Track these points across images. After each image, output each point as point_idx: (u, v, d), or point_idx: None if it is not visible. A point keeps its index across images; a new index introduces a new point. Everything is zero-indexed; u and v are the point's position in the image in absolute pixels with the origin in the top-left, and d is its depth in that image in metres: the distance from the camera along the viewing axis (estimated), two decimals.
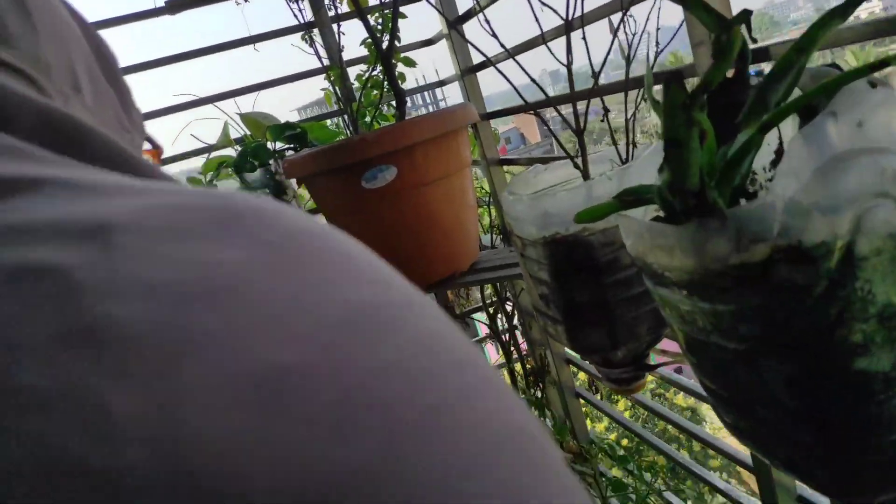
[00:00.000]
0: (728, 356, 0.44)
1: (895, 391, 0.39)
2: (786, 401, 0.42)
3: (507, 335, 1.43)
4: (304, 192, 1.31)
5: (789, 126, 0.49)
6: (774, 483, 0.78)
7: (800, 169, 0.38)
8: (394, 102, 1.13)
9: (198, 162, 1.10)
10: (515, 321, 1.41)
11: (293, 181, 1.21)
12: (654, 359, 0.84)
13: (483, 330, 1.59)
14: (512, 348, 1.41)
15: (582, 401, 1.31)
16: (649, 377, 0.91)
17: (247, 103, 1.18)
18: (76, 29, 0.32)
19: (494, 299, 1.45)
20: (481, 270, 1.16)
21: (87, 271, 0.13)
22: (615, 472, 1.23)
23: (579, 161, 0.72)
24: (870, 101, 0.39)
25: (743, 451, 0.87)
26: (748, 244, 0.38)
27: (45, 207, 0.15)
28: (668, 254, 0.43)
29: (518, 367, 1.42)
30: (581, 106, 0.80)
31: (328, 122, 1.24)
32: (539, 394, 1.36)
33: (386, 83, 1.11)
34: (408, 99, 1.17)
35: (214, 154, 1.09)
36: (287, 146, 1.13)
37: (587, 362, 1.29)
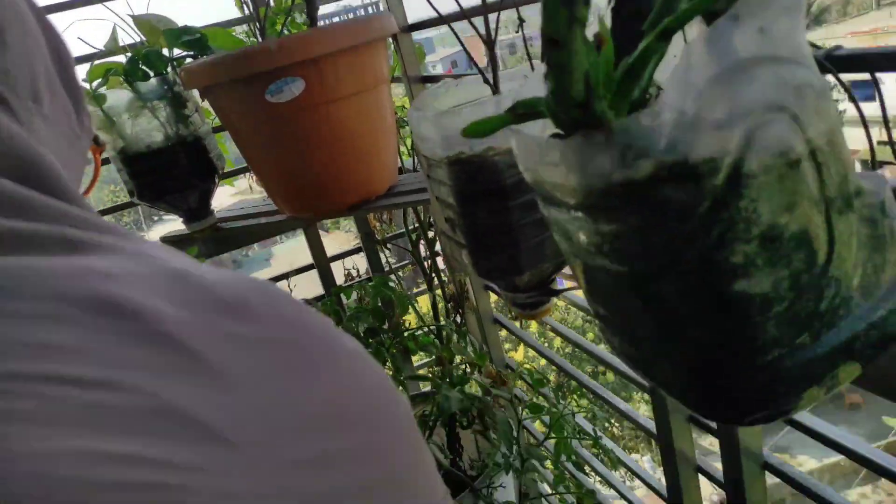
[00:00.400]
0: (611, 279, 0.42)
1: (772, 313, 0.38)
2: (664, 324, 0.41)
3: (429, 262, 1.41)
4: (207, 106, 1.22)
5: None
6: (668, 406, 0.80)
7: (693, 78, 0.35)
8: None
9: (83, 69, 0.99)
10: (437, 248, 1.39)
11: (195, 93, 1.12)
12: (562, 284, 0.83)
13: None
14: (433, 275, 1.40)
15: (500, 327, 1.32)
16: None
17: (140, 6, 1.06)
18: (40, 37, 0.33)
19: (417, 225, 1.42)
20: (399, 194, 1.11)
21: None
22: (530, 397, 1.25)
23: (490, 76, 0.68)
24: (774, 7, 0.36)
25: None
26: (633, 160, 0.35)
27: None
28: (556, 171, 0.40)
29: (438, 293, 1.40)
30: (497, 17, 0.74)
31: (235, 29, 1.14)
32: (459, 319, 1.36)
33: None
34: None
35: (101, 61, 0.98)
36: (185, 53, 1.03)
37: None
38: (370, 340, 1.14)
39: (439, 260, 1.42)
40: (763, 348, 0.39)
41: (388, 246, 1.48)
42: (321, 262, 1.40)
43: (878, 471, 0.62)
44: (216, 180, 1.15)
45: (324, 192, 1.07)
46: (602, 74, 0.38)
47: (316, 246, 1.38)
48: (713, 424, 0.74)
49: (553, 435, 0.94)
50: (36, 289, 0.20)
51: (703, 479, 0.81)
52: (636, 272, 0.40)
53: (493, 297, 1.32)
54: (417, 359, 1.51)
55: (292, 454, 0.20)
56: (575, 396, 1.23)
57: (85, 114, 0.37)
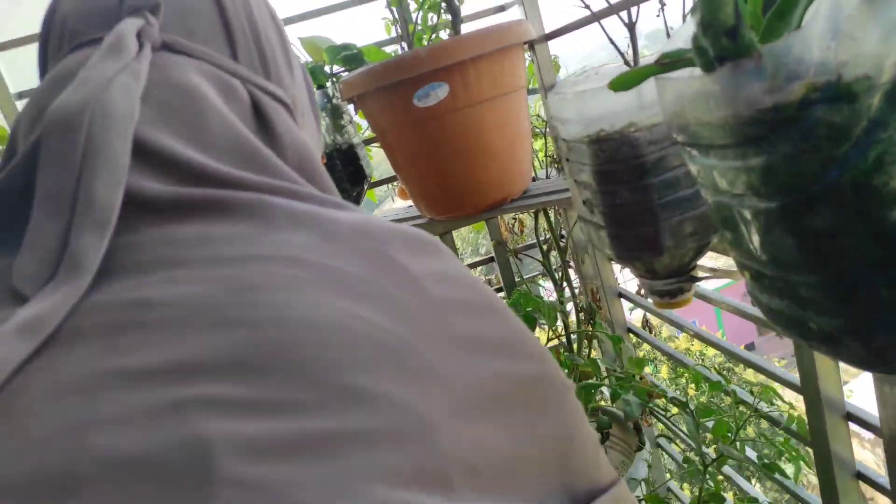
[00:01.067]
0: (761, 220, 0.42)
1: None
2: (820, 262, 0.41)
3: (560, 272, 1.42)
4: (359, 121, 1.33)
5: None
6: (822, 404, 0.75)
7: (842, 2, 0.35)
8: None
9: None
10: (568, 257, 1.40)
11: (350, 107, 1.24)
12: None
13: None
14: (564, 284, 1.41)
15: (633, 336, 1.30)
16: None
17: (306, 31, 1.20)
18: (303, 74, 0.48)
19: (549, 235, 1.44)
20: (533, 196, 1.15)
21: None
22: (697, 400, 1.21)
23: (630, 58, 0.70)
24: None
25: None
26: (784, 83, 0.36)
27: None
28: (704, 107, 0.42)
29: (570, 304, 1.41)
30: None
31: (387, 48, 1.25)
32: (591, 328, 1.35)
33: (443, 4, 1.10)
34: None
35: None
36: (343, 69, 1.15)
37: (640, 295, 1.27)
38: None
39: (571, 271, 1.43)
40: None
41: (520, 256, 1.51)
42: None
43: None
44: (365, 186, 1.25)
45: (464, 194, 1.13)
46: (750, 9, 0.39)
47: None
48: (876, 421, 0.69)
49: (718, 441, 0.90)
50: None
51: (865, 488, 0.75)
52: (788, 206, 0.40)
53: (627, 305, 1.30)
54: None
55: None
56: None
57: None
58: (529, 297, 1.23)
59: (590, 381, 1.06)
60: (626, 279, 1.34)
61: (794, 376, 0.76)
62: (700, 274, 0.78)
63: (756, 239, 0.44)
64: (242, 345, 0.23)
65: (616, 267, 1.30)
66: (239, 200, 0.30)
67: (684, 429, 1.10)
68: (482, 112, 1.06)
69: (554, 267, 1.46)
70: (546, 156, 1.31)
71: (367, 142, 1.35)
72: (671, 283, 0.76)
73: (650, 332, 1.37)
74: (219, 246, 0.28)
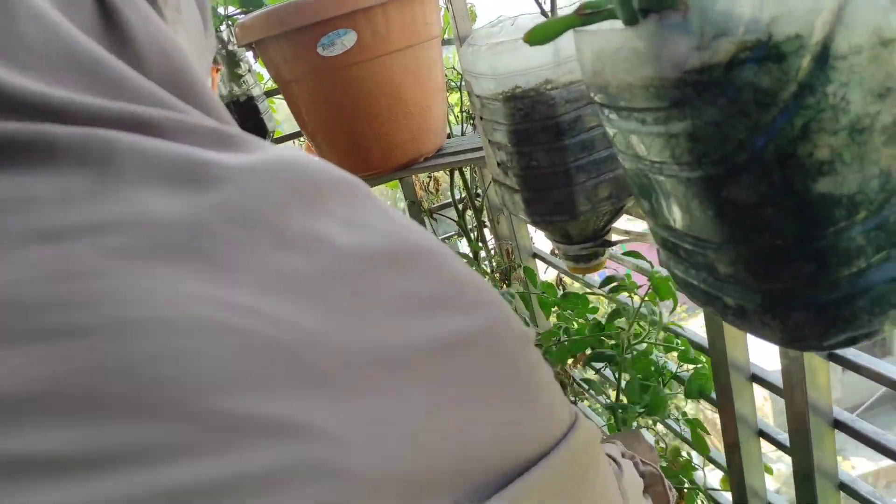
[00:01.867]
0: (681, 190, 0.40)
1: (855, 219, 0.35)
2: (739, 235, 0.38)
3: (476, 232, 1.40)
4: (262, 70, 1.23)
5: None
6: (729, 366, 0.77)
7: None
8: None
9: None
10: (484, 217, 1.37)
11: (249, 54, 1.13)
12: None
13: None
14: (480, 244, 1.38)
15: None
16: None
17: None
18: None
19: (464, 195, 1.40)
20: (448, 154, 1.10)
21: None
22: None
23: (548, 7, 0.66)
24: None
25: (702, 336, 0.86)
26: (711, 41, 0.33)
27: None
28: (625, 66, 0.38)
29: (486, 266, 1.39)
30: None
31: None
32: (506, 289, 1.34)
33: None
34: None
35: None
36: (240, 10, 1.04)
37: (554, 255, 1.26)
38: None
39: (487, 231, 1.41)
40: (847, 258, 0.36)
41: (435, 216, 1.47)
42: None
43: None
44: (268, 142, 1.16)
45: (375, 151, 1.07)
46: None
47: None
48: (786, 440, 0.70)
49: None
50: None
51: None
52: (710, 177, 0.37)
53: (540, 263, 1.29)
54: None
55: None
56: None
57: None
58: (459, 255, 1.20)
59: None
60: (542, 239, 1.33)
61: (704, 337, 0.77)
62: (614, 238, 0.76)
63: (675, 210, 0.42)
64: (65, 366, 0.16)
65: (531, 228, 1.28)
66: (67, 139, 0.21)
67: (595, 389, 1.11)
68: (393, 63, 1.00)
69: (469, 227, 1.43)
70: (462, 111, 1.26)
71: (269, 93, 1.25)
72: (586, 247, 0.74)
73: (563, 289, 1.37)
74: (33, 211, 0.20)
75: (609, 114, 0.43)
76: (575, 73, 0.62)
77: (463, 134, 1.26)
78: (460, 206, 1.42)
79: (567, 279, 1.48)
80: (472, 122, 1.25)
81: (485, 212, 1.36)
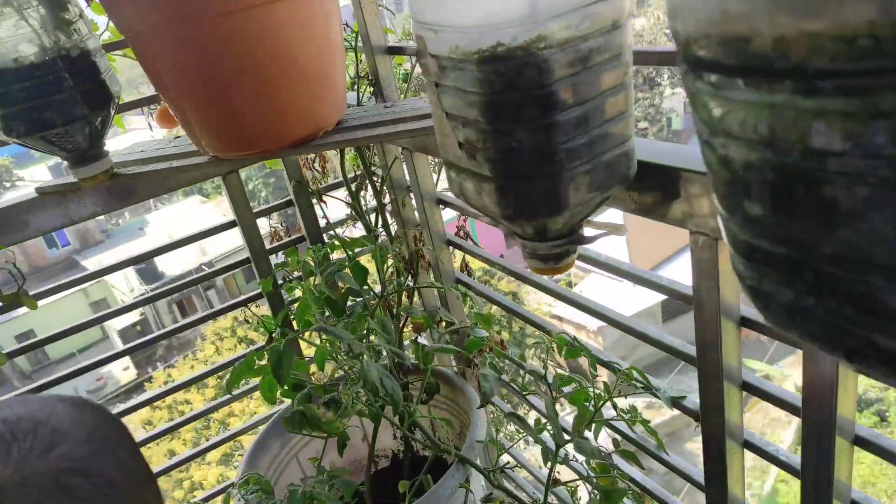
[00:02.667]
0: (863, 194, 0.27)
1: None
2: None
3: (375, 216, 1.22)
4: (96, 18, 0.95)
5: None
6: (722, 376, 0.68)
7: None
8: None
9: None
10: (386, 199, 1.20)
11: None
12: None
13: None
14: (380, 230, 1.21)
15: (463, 288, 1.17)
16: None
17: None
18: None
19: (358, 172, 1.22)
20: (355, 128, 0.91)
21: None
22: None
23: None
24: None
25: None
26: None
27: None
28: (810, 6, 0.24)
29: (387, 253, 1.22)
30: None
31: None
32: (411, 282, 1.19)
33: None
34: None
35: None
36: None
37: (469, 241, 1.13)
38: (350, 302, 0.95)
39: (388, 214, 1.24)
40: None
41: (324, 199, 1.27)
42: (246, 220, 1.17)
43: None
44: (112, 110, 0.89)
45: (261, 125, 0.85)
46: None
47: (239, 198, 1.15)
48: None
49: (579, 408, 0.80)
50: None
51: None
52: None
53: (457, 254, 1.16)
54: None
55: None
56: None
57: None
58: (355, 239, 1.02)
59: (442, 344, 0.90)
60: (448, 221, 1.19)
61: (691, 349, 0.69)
62: (587, 233, 0.64)
63: (834, 219, 0.29)
64: None
65: (444, 211, 1.13)
66: None
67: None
68: (280, 14, 0.79)
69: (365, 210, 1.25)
70: (358, 75, 1.07)
71: (110, 47, 0.97)
72: (560, 244, 0.61)
73: (469, 277, 1.25)
74: None
75: (731, 82, 0.29)
76: (575, 27, 0.48)
77: (360, 103, 1.07)
78: (353, 187, 1.24)
79: (474, 263, 1.36)
80: (370, 89, 1.07)
81: (386, 192, 1.19)
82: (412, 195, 1.15)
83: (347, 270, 1.02)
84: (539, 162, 0.53)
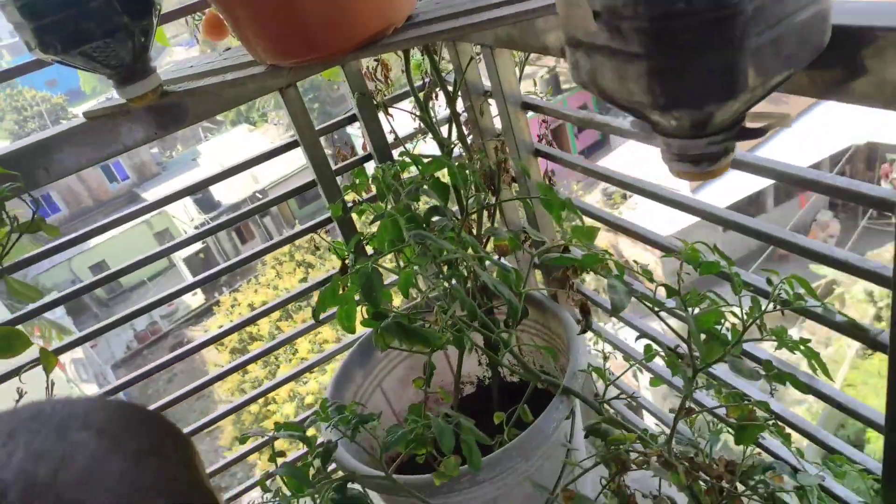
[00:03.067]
0: None
1: None
2: None
3: (448, 127, 1.10)
4: None
5: None
6: None
7: None
8: None
9: None
10: (460, 107, 1.07)
11: None
12: None
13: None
14: (455, 143, 1.09)
15: None
16: None
17: None
18: None
19: (426, 79, 1.09)
20: (424, 24, 0.78)
21: None
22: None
23: None
24: None
25: None
26: None
27: None
28: None
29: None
30: None
31: None
32: (493, 198, 1.07)
33: None
34: None
35: None
36: None
37: (559, 149, 1.00)
38: (431, 220, 0.86)
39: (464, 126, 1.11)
40: None
41: (390, 113, 1.15)
42: (308, 138, 1.06)
43: None
44: (154, 18, 0.78)
45: (327, 23, 0.73)
46: None
47: (300, 115, 1.04)
48: None
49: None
50: None
51: None
52: None
53: (541, 161, 1.03)
54: None
55: None
56: None
57: None
58: (431, 157, 0.91)
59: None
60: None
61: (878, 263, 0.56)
62: (750, 125, 0.50)
63: None
64: None
65: (532, 118, 1.00)
66: None
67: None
68: None
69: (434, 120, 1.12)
70: None
71: None
72: (718, 141, 0.49)
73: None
74: None
75: None
76: None
77: None
78: (421, 95, 1.11)
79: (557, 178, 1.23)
80: None
81: (460, 99, 1.06)
82: (491, 101, 1.01)
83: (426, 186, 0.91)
84: (713, 27, 0.39)
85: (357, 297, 0.94)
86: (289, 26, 0.73)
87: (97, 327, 1.06)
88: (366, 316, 0.92)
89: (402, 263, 0.97)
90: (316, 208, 15.99)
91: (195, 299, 15.01)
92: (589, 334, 1.03)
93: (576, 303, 0.89)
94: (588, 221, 0.89)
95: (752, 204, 10.75)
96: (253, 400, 1.29)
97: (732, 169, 0.64)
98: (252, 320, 1.25)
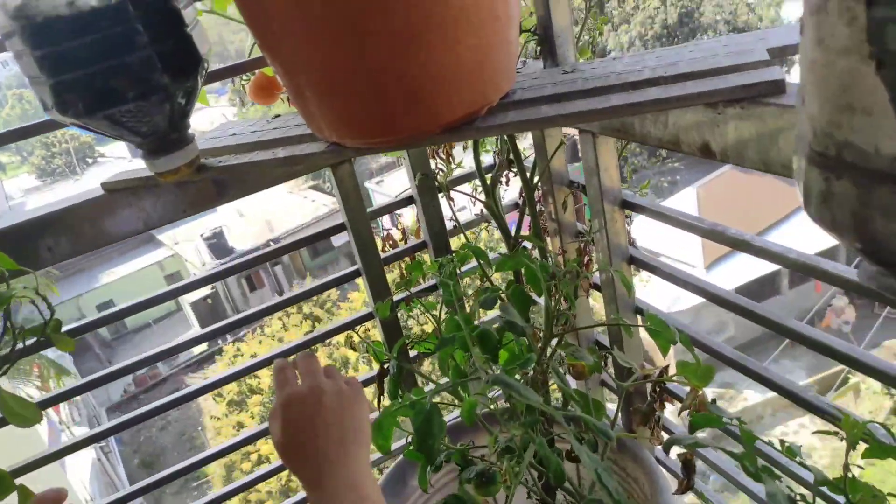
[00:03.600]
0: None
1: None
2: None
3: (520, 217, 0.95)
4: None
5: None
6: None
7: None
8: None
9: None
10: (537, 196, 0.92)
11: None
12: None
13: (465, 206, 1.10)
14: (537, 239, 0.93)
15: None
16: None
17: None
18: None
19: (500, 158, 0.94)
20: (525, 105, 0.63)
21: None
22: None
23: None
24: None
25: None
26: None
27: None
28: None
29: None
30: None
31: None
32: (569, 307, 0.91)
33: None
34: None
35: None
36: None
37: (659, 257, 0.84)
38: (506, 339, 0.69)
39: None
40: None
41: (452, 196, 1.00)
42: (359, 222, 0.91)
43: (805, 406, 0.68)
44: (200, 79, 0.64)
45: (408, 98, 0.58)
46: None
47: (352, 196, 0.89)
48: None
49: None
50: None
51: None
52: None
53: (634, 269, 0.87)
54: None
55: None
56: None
57: None
58: (506, 255, 0.76)
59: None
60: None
61: None
62: None
63: None
64: None
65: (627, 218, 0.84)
66: None
67: None
68: None
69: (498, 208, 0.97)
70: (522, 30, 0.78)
71: None
72: None
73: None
74: None
75: None
76: None
77: (537, 57, 0.79)
78: (487, 179, 0.96)
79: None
80: (538, 47, 0.78)
81: (538, 190, 0.91)
82: (577, 193, 0.86)
83: (504, 298, 0.75)
84: None
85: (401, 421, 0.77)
86: (365, 104, 0.59)
87: (95, 377, 0.90)
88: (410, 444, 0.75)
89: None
90: (327, 260, 15.90)
91: (198, 346, 14.76)
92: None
93: (680, 459, 0.71)
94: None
95: (768, 284, 10.52)
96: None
97: (743, 253, 0.69)
98: (252, 369, 1.07)
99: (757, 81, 0.54)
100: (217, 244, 16.21)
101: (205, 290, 15.64)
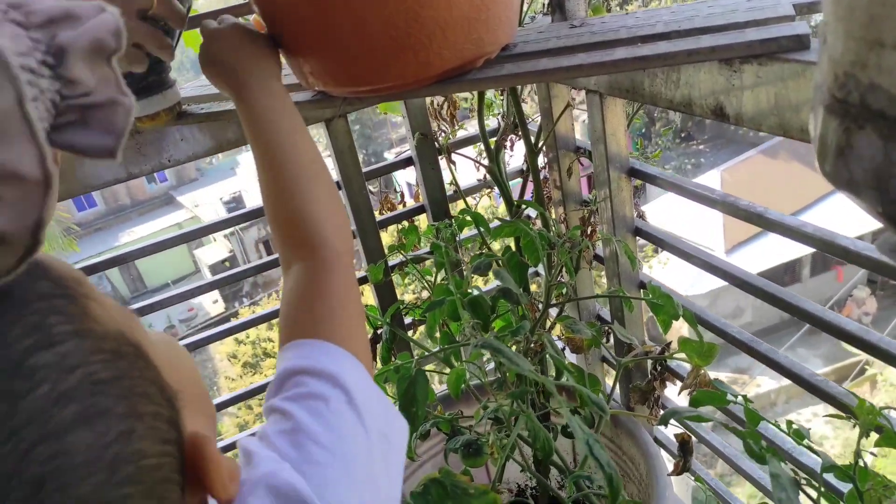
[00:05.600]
0: None
1: None
2: None
3: (524, 183, 0.90)
4: None
5: None
6: None
7: None
8: None
9: None
10: (541, 160, 0.87)
11: None
12: None
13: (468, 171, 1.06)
14: (528, 205, 0.89)
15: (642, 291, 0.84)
16: None
17: None
18: None
19: (506, 121, 0.89)
20: (526, 57, 0.59)
21: None
22: None
23: None
24: None
25: None
26: None
27: None
28: None
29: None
30: None
31: None
32: (570, 278, 0.87)
33: None
34: None
35: None
36: None
37: (665, 232, 0.79)
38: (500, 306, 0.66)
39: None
40: None
41: (453, 160, 0.96)
42: (353, 183, 0.87)
43: (815, 392, 0.65)
44: (178, 32, 0.60)
45: (402, 45, 0.54)
46: None
47: (346, 154, 0.85)
48: None
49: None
50: None
51: None
52: None
53: (639, 240, 0.82)
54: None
55: None
56: None
57: None
58: (512, 225, 0.72)
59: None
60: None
61: None
62: None
63: None
64: None
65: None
66: None
67: None
68: None
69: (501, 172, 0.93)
70: None
71: None
72: None
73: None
74: None
75: None
76: None
77: (521, 23, 0.74)
78: (492, 143, 0.92)
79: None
80: (548, 2, 0.73)
81: (542, 154, 0.87)
82: (583, 159, 0.82)
83: (498, 264, 0.71)
84: None
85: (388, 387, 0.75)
86: (352, 46, 0.54)
87: None
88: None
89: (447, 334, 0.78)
90: None
91: (215, 307, 14.98)
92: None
93: (677, 439, 0.68)
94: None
95: (788, 272, 10.33)
96: None
97: (771, 232, 0.65)
98: (268, 318, 1.04)
99: (777, 36, 0.49)
100: (236, 208, 16.31)
101: (223, 253, 15.82)
